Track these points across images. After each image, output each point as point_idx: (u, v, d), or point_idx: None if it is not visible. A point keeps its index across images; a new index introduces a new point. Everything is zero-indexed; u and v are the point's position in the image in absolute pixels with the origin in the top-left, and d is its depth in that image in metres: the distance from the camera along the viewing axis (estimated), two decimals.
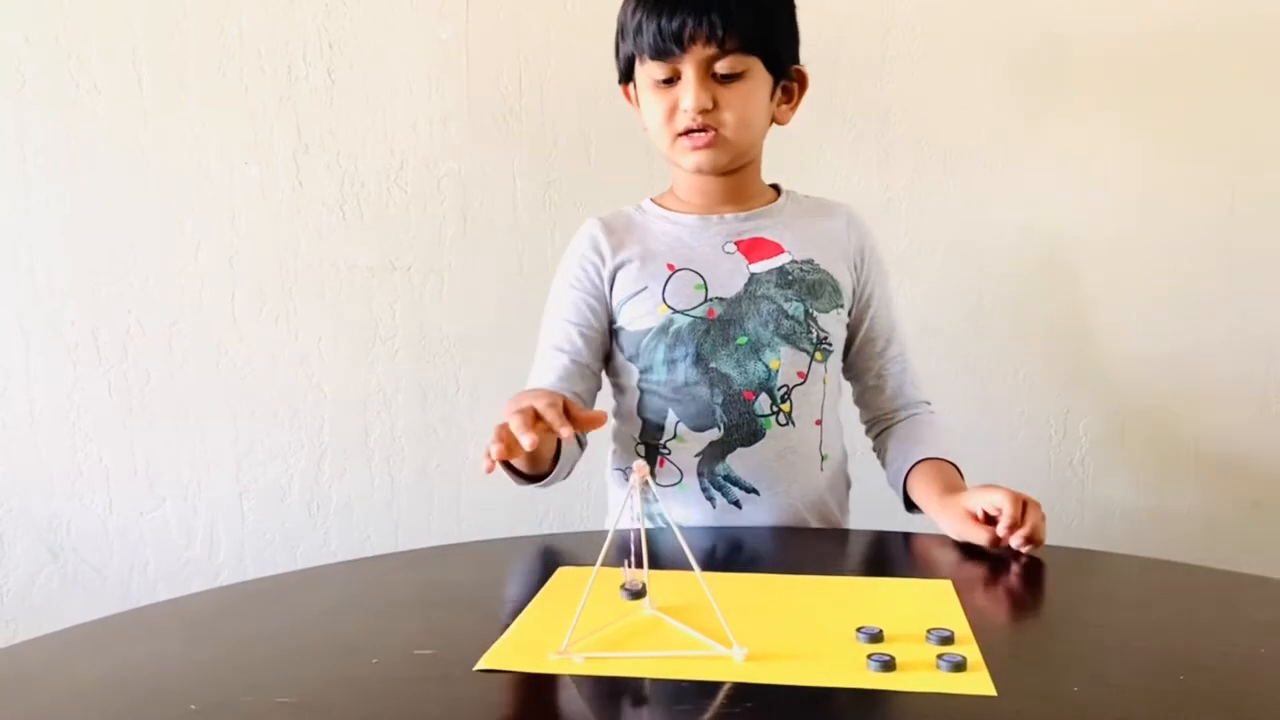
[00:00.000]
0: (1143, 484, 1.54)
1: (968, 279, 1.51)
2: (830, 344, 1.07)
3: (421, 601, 0.82)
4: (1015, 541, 0.86)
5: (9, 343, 1.48)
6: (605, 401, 1.13)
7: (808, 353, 1.05)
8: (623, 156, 1.46)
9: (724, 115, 1.00)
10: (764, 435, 1.04)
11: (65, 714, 0.62)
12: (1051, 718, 0.58)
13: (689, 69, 0.98)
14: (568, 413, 0.78)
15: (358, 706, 0.61)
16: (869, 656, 0.64)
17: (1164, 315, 1.50)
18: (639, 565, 0.73)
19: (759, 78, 1.02)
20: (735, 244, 1.06)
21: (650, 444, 1.08)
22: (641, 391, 1.08)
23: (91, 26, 1.44)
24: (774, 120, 1.07)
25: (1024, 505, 0.88)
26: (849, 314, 1.11)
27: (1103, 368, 1.52)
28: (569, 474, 1.04)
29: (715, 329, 1.04)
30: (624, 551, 0.73)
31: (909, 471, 1.04)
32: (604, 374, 1.12)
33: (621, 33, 1.04)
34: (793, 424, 1.05)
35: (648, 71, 1.01)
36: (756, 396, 1.04)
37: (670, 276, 1.05)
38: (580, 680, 0.64)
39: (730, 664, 0.65)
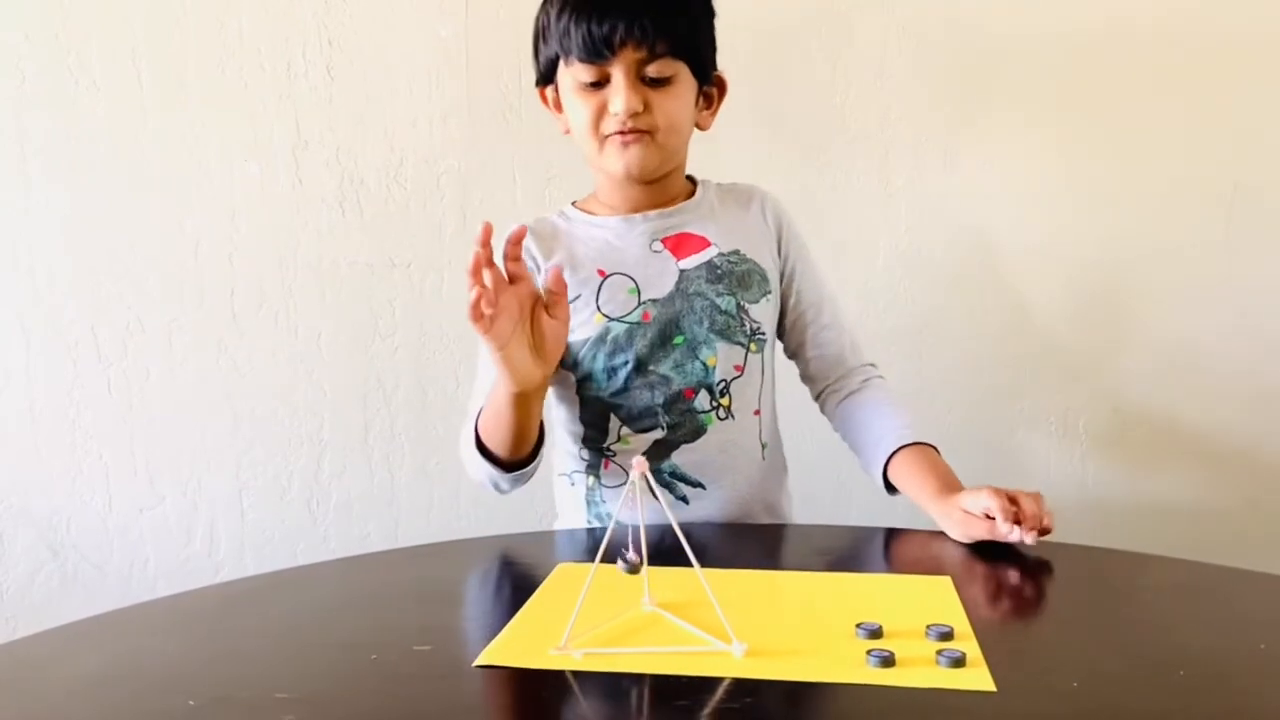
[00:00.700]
0: (1142, 481, 1.54)
1: (967, 276, 1.51)
2: (764, 334, 1.08)
3: (421, 598, 0.82)
4: (1018, 537, 0.86)
5: (9, 341, 1.48)
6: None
7: (743, 345, 1.06)
8: None
9: (655, 118, 0.99)
10: (706, 431, 1.05)
11: (65, 709, 0.62)
12: (1051, 713, 0.58)
13: (619, 72, 0.98)
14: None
15: (357, 702, 0.61)
16: (868, 652, 0.64)
17: (1163, 313, 1.50)
18: (638, 562, 0.73)
19: (686, 82, 1.02)
20: (661, 241, 1.06)
21: (594, 447, 1.08)
22: (581, 398, 1.08)
23: (91, 25, 1.44)
24: (696, 125, 1.07)
25: (1014, 499, 0.88)
26: (777, 296, 1.11)
27: (1102, 365, 1.52)
28: (532, 474, 1.03)
29: (652, 332, 1.04)
30: (624, 548, 0.73)
31: (889, 460, 1.03)
32: None
33: (543, 34, 1.03)
34: (733, 417, 1.06)
35: (574, 74, 1.00)
36: (696, 394, 1.05)
37: (602, 283, 1.05)
38: (580, 676, 0.64)
39: (729, 659, 0.65)
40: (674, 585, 0.76)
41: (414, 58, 1.47)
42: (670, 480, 1.06)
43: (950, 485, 0.96)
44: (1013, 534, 0.86)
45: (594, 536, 0.98)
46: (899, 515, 1.07)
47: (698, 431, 1.05)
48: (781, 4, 1.46)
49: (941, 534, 0.94)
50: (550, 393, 1.11)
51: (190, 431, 1.52)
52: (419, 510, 1.55)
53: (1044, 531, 0.87)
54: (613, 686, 0.63)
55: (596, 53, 0.96)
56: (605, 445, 1.07)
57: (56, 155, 1.46)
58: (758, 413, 1.09)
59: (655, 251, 1.06)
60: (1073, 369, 1.52)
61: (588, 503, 1.09)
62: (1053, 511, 0.89)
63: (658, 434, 1.05)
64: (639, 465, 0.69)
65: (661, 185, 1.08)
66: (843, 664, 0.64)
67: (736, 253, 1.07)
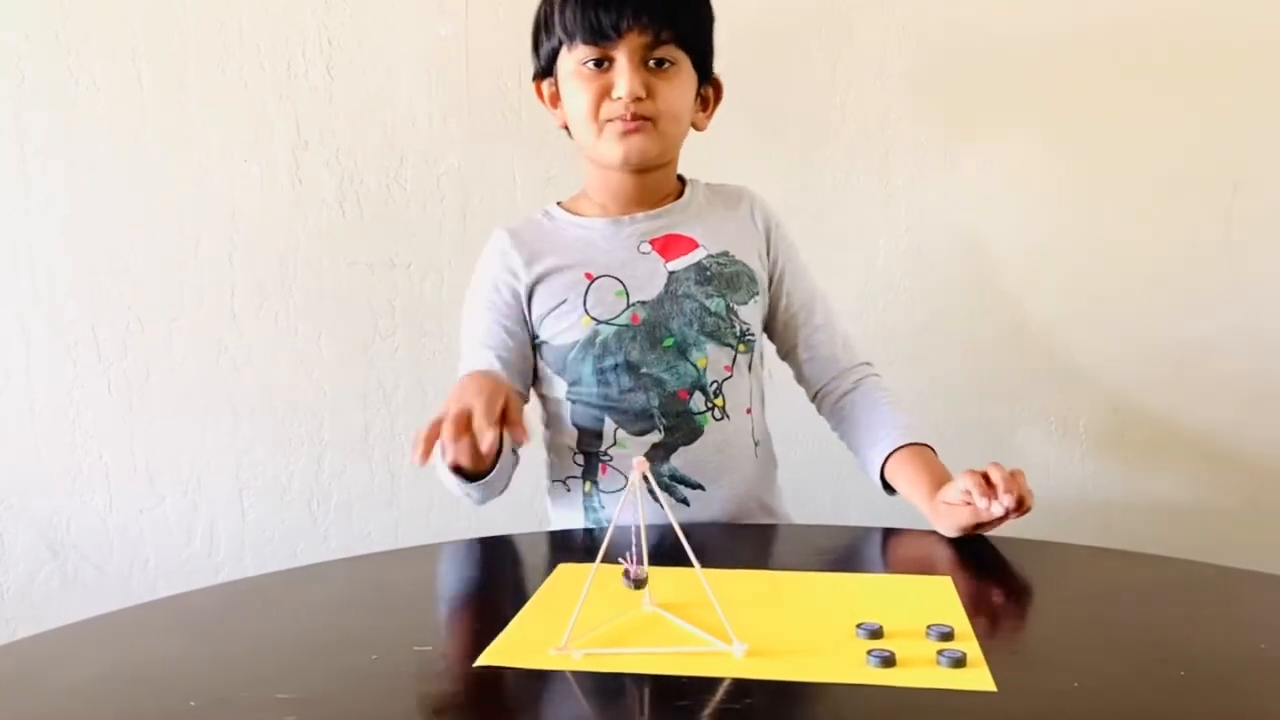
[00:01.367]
0: (1142, 481, 1.54)
1: (967, 276, 1.51)
2: (753, 334, 1.08)
3: (421, 598, 0.82)
4: (999, 510, 0.85)
5: (9, 341, 1.48)
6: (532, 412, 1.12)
7: (732, 347, 1.06)
8: None
9: (657, 105, 0.99)
10: (703, 431, 1.05)
11: (65, 710, 0.62)
12: (1051, 713, 0.58)
13: (623, 56, 0.98)
14: (505, 415, 0.79)
15: (357, 703, 0.61)
16: (869, 652, 0.64)
17: (1163, 313, 1.50)
18: (639, 560, 0.73)
19: (688, 73, 1.02)
20: (650, 243, 1.06)
21: (589, 452, 1.07)
22: (572, 402, 1.07)
23: (91, 24, 1.44)
24: (693, 125, 1.07)
25: (987, 476, 0.88)
26: (766, 297, 1.11)
27: (1102, 366, 1.52)
28: (505, 488, 1.01)
29: (641, 334, 1.03)
30: (625, 548, 0.73)
31: (885, 460, 1.03)
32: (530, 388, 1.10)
33: (544, 26, 1.03)
34: (727, 417, 1.06)
35: (576, 58, 1.00)
36: (691, 395, 1.05)
37: (590, 286, 1.04)
38: (580, 676, 0.64)
39: (730, 660, 0.65)
40: (674, 585, 0.76)
41: (414, 58, 1.46)
42: (670, 483, 1.05)
43: (941, 484, 0.96)
44: (992, 508, 0.85)
45: (594, 537, 0.98)
46: (898, 515, 1.07)
47: (695, 433, 1.05)
48: (781, 4, 1.46)
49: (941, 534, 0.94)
50: (538, 402, 1.11)
51: (190, 431, 1.52)
52: (419, 510, 1.55)
53: (1022, 505, 0.86)
54: (613, 687, 0.63)
55: (602, 34, 0.97)
56: (601, 450, 1.06)
57: (56, 155, 1.46)
58: (749, 411, 1.09)
59: (644, 253, 1.05)
60: (1073, 369, 1.52)
61: (585, 509, 1.08)
62: (1032, 491, 0.88)
63: (655, 436, 1.05)
64: (639, 466, 0.69)
65: (653, 179, 1.07)
66: (843, 664, 0.64)
67: (725, 254, 1.07)
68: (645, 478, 0.69)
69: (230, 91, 1.46)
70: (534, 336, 1.08)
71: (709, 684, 0.62)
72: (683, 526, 0.71)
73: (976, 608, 0.74)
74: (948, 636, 0.67)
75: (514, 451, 1.02)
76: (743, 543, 0.99)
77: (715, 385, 1.05)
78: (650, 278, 1.05)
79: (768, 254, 1.11)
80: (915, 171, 1.48)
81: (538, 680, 0.63)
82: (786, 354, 1.15)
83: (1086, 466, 1.54)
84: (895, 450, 1.02)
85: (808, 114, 1.48)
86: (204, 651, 0.71)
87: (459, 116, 1.48)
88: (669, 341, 1.04)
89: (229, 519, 1.54)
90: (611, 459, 1.06)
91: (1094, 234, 1.48)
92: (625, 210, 1.08)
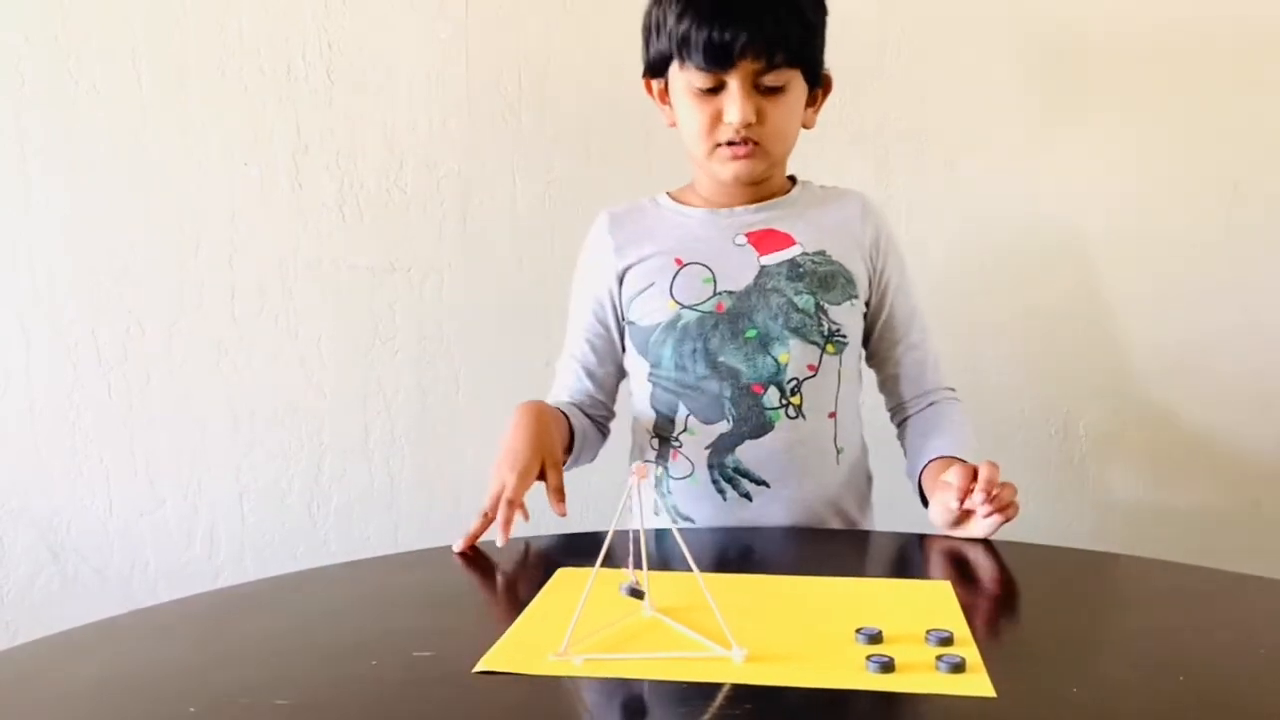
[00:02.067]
0: (1143, 483, 1.54)
1: (967, 277, 1.51)
2: (844, 336, 1.06)
3: (421, 602, 0.82)
4: (979, 500, 0.87)
5: (9, 343, 1.48)
6: (624, 399, 1.16)
7: (818, 345, 1.04)
8: (623, 156, 1.46)
9: (766, 128, 1.00)
10: (773, 428, 1.04)
11: (65, 715, 0.62)
12: (1050, 719, 0.58)
13: (735, 82, 0.97)
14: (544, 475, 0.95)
15: (357, 708, 0.61)
16: (868, 658, 0.64)
17: (1164, 314, 1.50)
18: (637, 566, 0.73)
19: (799, 89, 1.02)
20: (746, 236, 1.06)
21: (663, 436, 1.08)
22: (652, 385, 1.08)
23: (91, 26, 1.44)
24: (802, 125, 1.07)
25: (974, 473, 0.89)
26: (866, 305, 1.10)
27: (1103, 367, 1.52)
28: (593, 458, 1.12)
29: (723, 323, 1.04)
30: (624, 553, 0.73)
31: (923, 470, 1.03)
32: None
33: (656, 29, 1.02)
34: (803, 417, 1.04)
35: (688, 79, 1.00)
36: (765, 390, 1.04)
37: (678, 271, 1.05)
38: (579, 682, 0.64)
39: (729, 665, 0.65)
40: (674, 590, 0.76)
41: (414, 60, 1.46)
42: (734, 475, 1.05)
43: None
44: (973, 500, 0.87)
45: (595, 540, 0.98)
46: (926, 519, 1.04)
47: (764, 428, 1.04)
48: None
49: (941, 538, 0.94)
50: (629, 380, 1.15)
51: (190, 434, 1.52)
52: (419, 514, 1.55)
53: (1001, 504, 0.88)
54: (613, 692, 0.62)
55: (716, 61, 0.96)
56: (673, 435, 1.07)
57: (56, 156, 1.46)
58: (833, 415, 1.07)
59: (739, 245, 1.06)
60: (1073, 370, 1.52)
61: (658, 493, 1.09)
62: (1018, 505, 0.90)
63: (723, 426, 1.05)
64: (638, 471, 0.69)
65: (764, 183, 1.08)
66: (843, 669, 0.64)
67: (822, 253, 1.06)
68: (656, 480, 0.69)
69: (230, 93, 1.46)
70: (623, 318, 1.10)
71: (708, 689, 0.62)
72: (688, 528, 0.71)
73: (976, 612, 0.74)
74: (947, 641, 0.67)
75: (603, 432, 1.13)
76: (744, 546, 0.99)
77: (794, 383, 1.04)
78: (741, 269, 1.05)
79: (873, 261, 1.09)
80: (915, 172, 1.48)
81: (538, 686, 0.63)
82: (877, 364, 1.15)
83: (1087, 468, 1.54)
84: (936, 459, 1.02)
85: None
86: (203, 656, 0.71)
87: (459, 119, 1.48)
88: (751, 333, 1.04)
89: (229, 522, 1.54)
90: (681, 445, 1.07)
91: (1094, 234, 1.49)
92: (729, 203, 1.08)
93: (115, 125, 1.46)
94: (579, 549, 0.95)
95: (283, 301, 1.50)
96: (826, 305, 1.05)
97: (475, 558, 0.92)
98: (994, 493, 0.87)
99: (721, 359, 1.04)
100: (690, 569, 0.71)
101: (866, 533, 1.01)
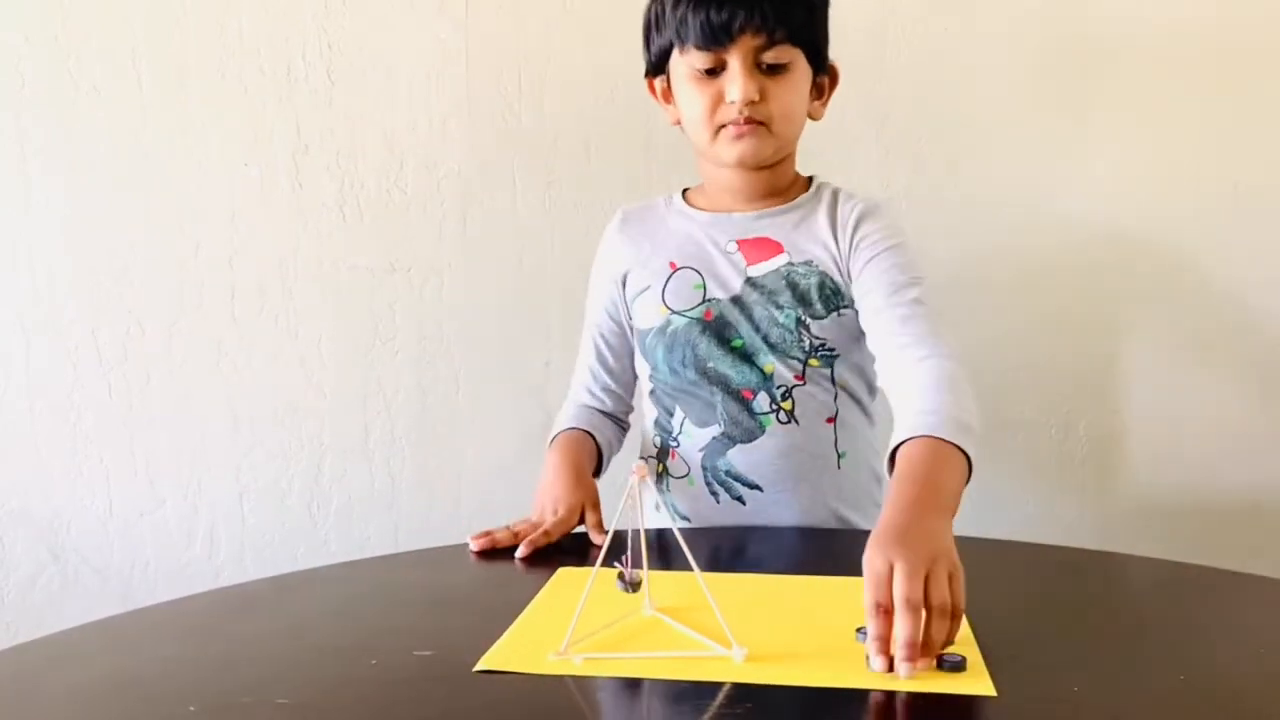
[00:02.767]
0: (1143, 484, 1.54)
1: (967, 278, 1.50)
2: (830, 349, 1.04)
3: (421, 602, 0.82)
4: (879, 667, 0.64)
5: (9, 343, 1.48)
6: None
7: (799, 360, 1.04)
8: (623, 156, 1.46)
9: (770, 107, 0.98)
10: (764, 432, 1.04)
11: (65, 715, 0.62)
12: (1051, 717, 0.58)
13: (735, 60, 0.96)
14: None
15: (357, 708, 0.61)
16: (869, 657, 0.64)
17: (1163, 314, 1.50)
18: (636, 564, 0.73)
19: (802, 70, 1.01)
20: (737, 243, 1.05)
21: (663, 434, 1.10)
22: (652, 386, 1.10)
23: (91, 26, 1.44)
24: (809, 116, 1.06)
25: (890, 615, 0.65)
26: (853, 308, 1.04)
27: (1103, 368, 1.52)
28: (619, 449, 1.16)
29: (711, 330, 1.04)
30: (623, 551, 0.73)
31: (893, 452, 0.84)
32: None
33: (655, 23, 1.02)
34: (796, 422, 1.04)
35: (689, 62, 0.99)
36: (755, 395, 1.04)
37: (671, 275, 1.06)
38: (580, 681, 0.64)
39: (730, 664, 0.65)
40: (674, 589, 0.76)
41: (414, 61, 1.46)
42: (726, 479, 1.05)
43: (893, 509, 0.76)
44: (874, 663, 0.64)
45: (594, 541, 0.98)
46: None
47: (755, 432, 1.04)
48: None
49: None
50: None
51: (190, 434, 1.52)
52: (419, 514, 1.55)
53: (929, 651, 0.64)
54: (613, 691, 0.63)
55: (714, 39, 0.96)
56: (672, 435, 1.08)
57: (56, 156, 1.46)
58: (831, 420, 1.05)
59: (729, 252, 1.05)
60: (1073, 371, 1.52)
61: (659, 491, 1.10)
62: (962, 609, 0.66)
63: (715, 430, 1.05)
64: (638, 470, 0.69)
65: (766, 175, 1.06)
66: (843, 668, 0.64)
67: (809, 263, 1.04)
68: (659, 475, 0.69)
69: (230, 94, 1.46)
70: (629, 318, 1.12)
71: (708, 688, 0.62)
72: (689, 529, 0.71)
73: (977, 612, 0.74)
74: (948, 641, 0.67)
75: (622, 426, 1.16)
76: (744, 545, 0.99)
77: (784, 389, 1.04)
78: (729, 278, 1.05)
79: (845, 260, 1.04)
80: (915, 173, 1.48)
81: (538, 685, 0.63)
82: (866, 330, 1.03)
83: (1087, 469, 1.54)
84: (902, 443, 0.84)
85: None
86: (204, 656, 0.71)
87: (459, 119, 1.48)
88: (737, 342, 1.04)
89: (229, 522, 1.54)
90: (679, 445, 1.08)
91: (1094, 235, 1.48)
92: (734, 206, 1.08)
93: (115, 125, 1.46)
94: (579, 549, 0.95)
95: (283, 302, 1.50)
96: (809, 320, 1.03)
97: (476, 557, 0.93)
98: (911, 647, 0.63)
99: (711, 365, 1.04)
100: (690, 568, 0.71)
101: (867, 533, 1.00)
